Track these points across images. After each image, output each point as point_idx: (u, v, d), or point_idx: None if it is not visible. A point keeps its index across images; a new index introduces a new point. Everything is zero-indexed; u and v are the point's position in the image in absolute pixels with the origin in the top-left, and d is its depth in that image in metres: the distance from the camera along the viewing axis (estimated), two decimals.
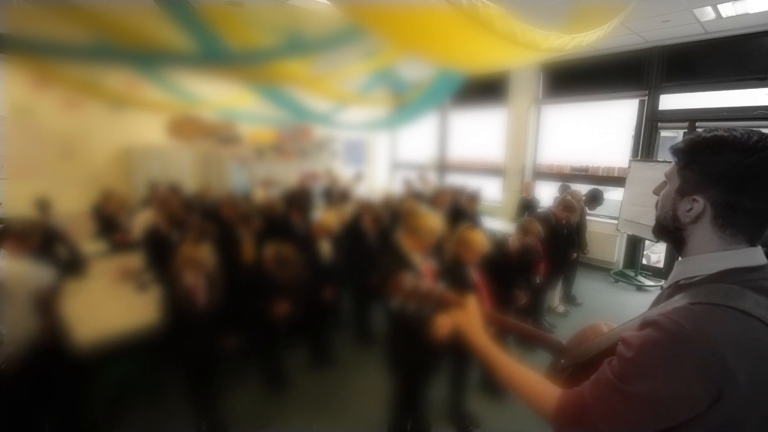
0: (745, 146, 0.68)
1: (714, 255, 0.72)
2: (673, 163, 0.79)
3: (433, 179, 7.09)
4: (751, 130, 0.70)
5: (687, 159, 0.75)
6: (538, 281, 3.41)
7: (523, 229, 3.10)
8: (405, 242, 2.19)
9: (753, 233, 0.71)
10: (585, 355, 0.84)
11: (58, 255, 3.14)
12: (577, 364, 0.84)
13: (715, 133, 0.72)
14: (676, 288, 0.76)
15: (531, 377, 0.84)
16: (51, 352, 2.08)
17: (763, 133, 0.69)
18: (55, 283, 2.21)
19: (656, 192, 0.85)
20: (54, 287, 2.20)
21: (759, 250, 0.72)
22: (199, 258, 2.37)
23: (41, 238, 2.38)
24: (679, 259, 0.80)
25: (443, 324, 1.01)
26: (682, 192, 0.75)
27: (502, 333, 1.02)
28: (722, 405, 0.62)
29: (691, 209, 0.73)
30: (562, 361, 0.89)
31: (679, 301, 0.69)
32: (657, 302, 0.80)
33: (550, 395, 0.78)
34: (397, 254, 2.18)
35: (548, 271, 3.58)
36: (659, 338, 0.64)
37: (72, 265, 3.25)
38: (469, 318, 1.00)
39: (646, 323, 0.68)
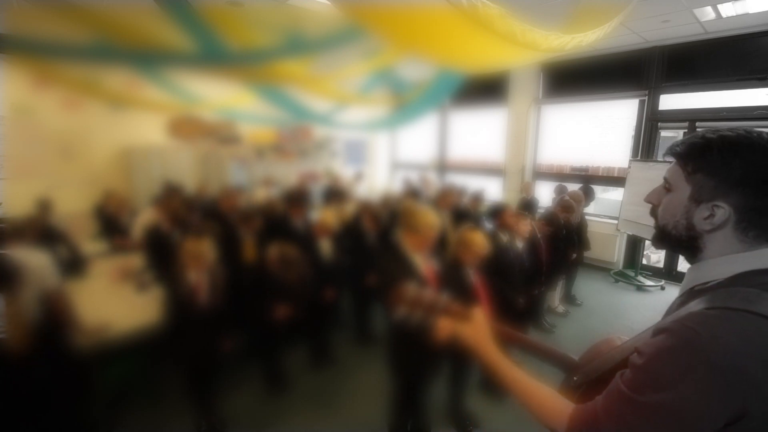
0: (763, 147, 0.65)
1: (731, 258, 0.68)
2: (676, 167, 0.74)
3: (434, 180, 7.08)
4: (756, 130, 0.68)
5: (697, 163, 0.70)
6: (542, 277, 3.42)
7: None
8: (405, 242, 2.16)
9: None
10: (598, 370, 0.80)
11: (58, 255, 3.14)
12: (590, 381, 0.80)
13: (723, 134, 0.68)
14: (691, 294, 0.72)
15: (543, 392, 0.81)
16: (51, 352, 2.08)
17: None
18: (60, 280, 2.22)
19: (651, 200, 0.80)
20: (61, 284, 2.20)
21: None
22: (202, 253, 2.36)
23: (42, 238, 2.39)
24: (691, 265, 0.75)
25: (443, 328, 0.98)
26: (698, 198, 0.70)
27: (509, 347, 0.98)
28: (749, 422, 0.56)
29: (710, 216, 0.68)
30: (575, 378, 0.85)
31: (693, 307, 0.65)
32: (670, 311, 0.76)
33: (562, 411, 0.74)
34: (397, 254, 2.16)
35: (549, 271, 3.58)
36: (672, 345, 0.61)
37: (72, 265, 3.25)
38: (476, 330, 0.95)
39: (658, 330, 0.64)
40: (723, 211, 0.67)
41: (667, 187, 0.76)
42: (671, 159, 0.76)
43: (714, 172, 0.68)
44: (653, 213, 0.80)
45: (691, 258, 0.75)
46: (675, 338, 0.61)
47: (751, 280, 0.64)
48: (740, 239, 0.68)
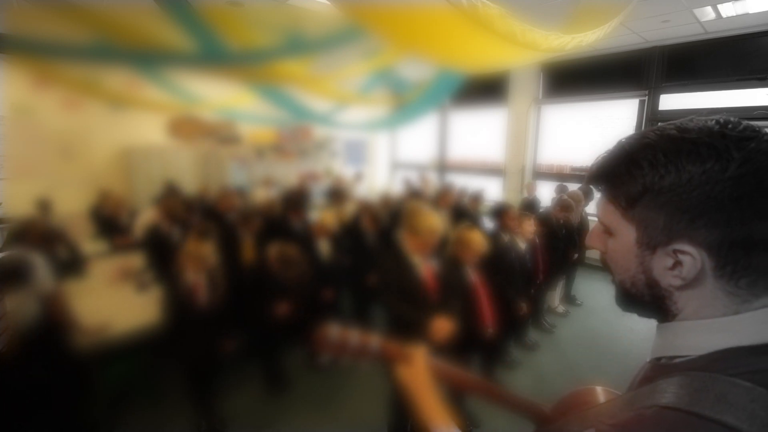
0: (714, 146, 0.44)
1: (715, 323, 0.47)
2: (604, 201, 0.53)
3: (433, 180, 7.09)
4: (709, 117, 0.47)
5: (628, 191, 0.49)
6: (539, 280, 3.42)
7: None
8: (406, 242, 2.16)
9: None
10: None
11: (58, 255, 3.14)
12: None
13: (650, 137, 0.48)
14: (656, 368, 0.52)
15: None
16: (51, 352, 2.08)
17: (729, 119, 0.46)
18: (58, 281, 2.22)
19: (594, 244, 0.58)
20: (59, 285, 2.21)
21: None
22: (202, 254, 2.37)
23: (41, 238, 2.39)
24: (661, 324, 0.53)
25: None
26: (648, 243, 0.49)
27: (461, 392, 0.86)
28: None
29: (675, 265, 0.47)
30: None
31: (654, 393, 0.46)
32: (633, 381, 0.56)
33: None
34: (397, 255, 2.16)
35: (548, 271, 3.58)
36: None
37: (72, 265, 3.25)
38: (414, 375, 0.80)
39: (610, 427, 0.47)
40: (690, 258, 0.46)
41: (606, 230, 0.55)
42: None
43: (660, 198, 0.46)
44: (603, 262, 0.59)
45: (662, 318, 0.53)
46: None
47: (738, 363, 0.43)
48: (728, 291, 0.46)
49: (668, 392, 0.44)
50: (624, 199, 0.50)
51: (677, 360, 0.49)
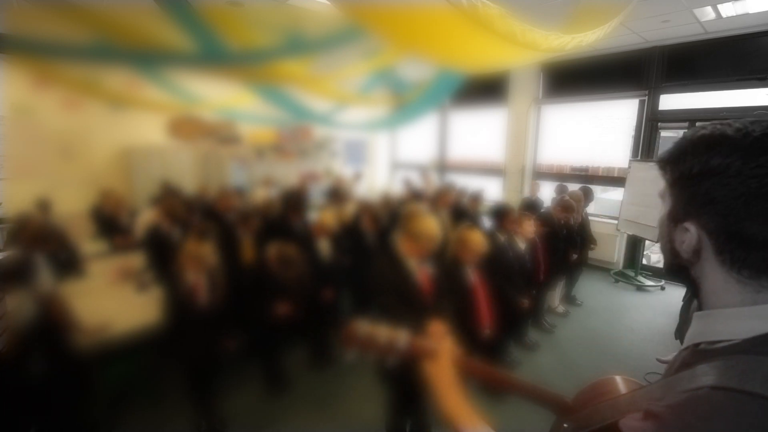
0: (741, 146, 0.49)
1: (743, 311, 0.51)
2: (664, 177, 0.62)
3: (435, 179, 7.09)
4: (742, 121, 0.52)
5: (674, 171, 0.57)
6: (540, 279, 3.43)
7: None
8: (402, 246, 2.11)
9: None
10: (590, 423, 0.66)
11: (57, 255, 3.14)
12: None
13: (704, 131, 0.54)
14: (695, 353, 0.55)
15: None
16: (52, 351, 2.08)
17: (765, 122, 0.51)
18: (58, 281, 2.22)
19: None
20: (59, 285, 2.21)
21: None
22: (203, 255, 2.37)
23: (40, 238, 2.40)
24: (698, 311, 0.59)
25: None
26: (674, 217, 0.57)
27: (485, 385, 0.85)
28: None
29: (684, 239, 0.55)
30: (565, 425, 0.72)
31: (697, 377, 0.49)
32: (671, 368, 0.61)
33: None
34: (392, 258, 2.12)
35: (548, 271, 3.58)
36: None
37: (71, 265, 3.25)
38: (440, 371, 0.81)
39: (648, 413, 0.49)
40: (690, 234, 0.54)
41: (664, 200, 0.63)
42: None
43: (688, 182, 0.54)
44: None
45: (695, 294, 0.60)
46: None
47: None
48: (735, 278, 0.51)
49: (715, 374, 0.47)
50: (669, 175, 0.58)
51: (718, 345, 0.52)
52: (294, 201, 3.64)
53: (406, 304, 2.06)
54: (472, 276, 2.46)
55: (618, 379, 0.73)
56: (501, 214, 3.29)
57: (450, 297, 2.26)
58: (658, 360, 0.72)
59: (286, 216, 3.77)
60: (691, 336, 0.58)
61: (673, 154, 0.57)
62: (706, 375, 0.48)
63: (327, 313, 3.43)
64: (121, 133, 5.90)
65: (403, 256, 2.10)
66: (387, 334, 0.83)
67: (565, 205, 3.93)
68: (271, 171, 6.88)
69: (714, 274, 0.54)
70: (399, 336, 0.83)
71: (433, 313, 2.07)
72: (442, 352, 0.83)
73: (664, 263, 0.64)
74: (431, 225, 2.07)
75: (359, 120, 6.80)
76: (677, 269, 0.60)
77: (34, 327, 2.02)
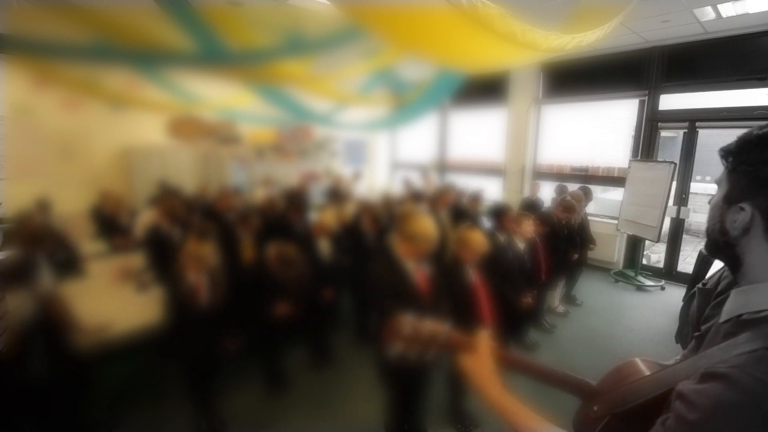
0: None
1: None
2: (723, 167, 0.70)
3: (435, 179, 7.09)
4: None
5: (736, 160, 0.65)
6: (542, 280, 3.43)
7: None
8: (398, 248, 2.08)
9: None
10: (624, 402, 0.69)
11: (56, 255, 3.14)
12: (615, 413, 0.70)
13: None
14: (738, 324, 0.62)
15: None
16: (52, 351, 2.08)
17: None
18: (57, 281, 2.22)
19: (710, 202, 0.75)
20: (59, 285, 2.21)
21: None
22: (203, 255, 2.36)
23: (39, 237, 2.40)
24: (737, 287, 0.67)
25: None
26: (729, 199, 0.66)
27: (516, 373, 0.88)
28: None
29: (737, 218, 0.64)
30: (595, 408, 0.74)
31: (746, 343, 0.56)
32: (713, 340, 0.67)
33: None
34: (389, 260, 2.08)
35: (549, 271, 3.58)
36: (733, 399, 0.51)
37: (70, 265, 3.25)
38: (479, 364, 0.84)
39: (709, 375, 0.54)
40: (744, 213, 0.62)
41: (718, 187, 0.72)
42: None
43: (747, 169, 0.63)
44: None
45: (734, 270, 0.68)
46: (735, 389, 0.51)
47: None
48: None
49: (760, 337, 0.55)
50: (731, 163, 0.66)
51: (763, 314, 0.60)
52: (295, 200, 3.64)
53: (403, 306, 2.05)
54: (473, 276, 2.46)
55: (638, 361, 0.78)
56: (499, 213, 3.29)
57: (450, 297, 2.26)
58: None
59: (286, 216, 3.77)
60: (733, 309, 0.65)
61: (738, 145, 0.66)
62: (758, 339, 0.55)
63: (327, 313, 3.43)
64: (121, 133, 5.90)
65: (400, 258, 2.07)
66: (430, 329, 0.88)
67: (566, 205, 3.93)
68: (271, 171, 6.88)
69: (759, 249, 0.62)
70: (440, 329, 0.88)
71: (432, 314, 2.07)
72: (481, 345, 0.86)
73: (708, 242, 0.72)
74: (427, 225, 2.03)
75: (359, 120, 6.80)
76: (722, 246, 0.67)
77: (34, 327, 2.02)
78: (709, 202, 0.73)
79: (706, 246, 0.73)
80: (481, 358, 0.85)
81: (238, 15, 4.04)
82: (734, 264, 0.67)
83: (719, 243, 0.68)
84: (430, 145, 8.69)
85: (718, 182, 0.70)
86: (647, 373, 0.73)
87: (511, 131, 7.02)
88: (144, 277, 3.15)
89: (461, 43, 2.71)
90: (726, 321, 0.65)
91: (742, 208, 0.62)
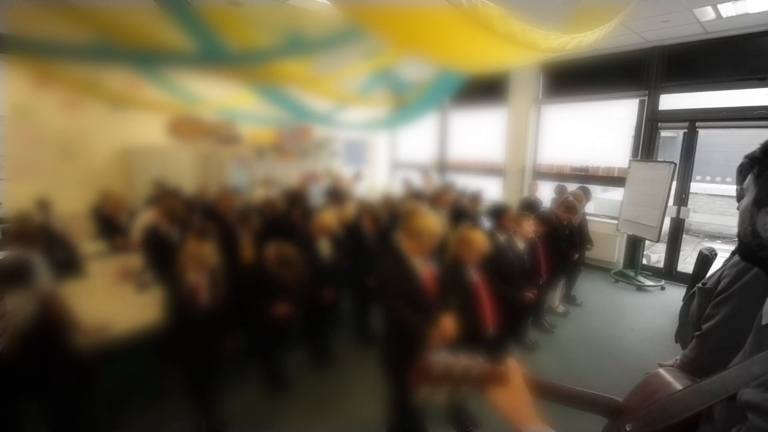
0: None
1: None
2: (749, 171, 0.72)
3: (435, 179, 7.09)
4: None
5: (761, 166, 0.67)
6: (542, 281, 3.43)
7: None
8: (405, 245, 2.13)
9: None
10: (667, 418, 0.65)
11: (56, 255, 3.14)
12: (655, 430, 0.67)
13: None
14: None
15: None
16: (52, 351, 2.08)
17: None
18: (57, 281, 2.22)
19: (738, 208, 0.76)
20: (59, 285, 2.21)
21: None
22: (203, 255, 2.36)
23: (38, 237, 2.40)
24: None
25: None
26: (759, 202, 0.67)
27: (541, 399, 0.83)
28: None
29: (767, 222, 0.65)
30: (628, 427, 0.71)
31: None
32: (760, 343, 0.66)
33: None
34: (396, 257, 2.13)
35: (549, 271, 3.58)
36: None
37: (71, 265, 3.25)
38: (514, 395, 0.78)
39: None
40: None
41: (743, 193, 0.73)
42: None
43: None
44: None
45: None
46: None
47: None
48: None
49: None
50: (757, 168, 0.68)
51: None
52: (296, 200, 3.64)
53: (412, 304, 2.06)
54: (474, 275, 2.46)
55: (662, 372, 0.76)
56: (498, 213, 3.29)
57: (453, 296, 2.27)
58: (660, 365, 0.74)
59: (286, 216, 3.77)
60: None
61: (762, 151, 0.68)
62: None
63: (327, 313, 3.43)
64: (121, 133, 5.90)
65: (407, 255, 2.11)
66: (462, 365, 0.80)
67: (568, 205, 3.93)
68: (271, 171, 6.88)
69: None
70: (474, 364, 0.80)
71: (440, 311, 2.08)
72: (513, 376, 0.80)
73: (740, 247, 0.72)
74: (431, 221, 2.09)
75: (359, 120, 6.80)
76: (756, 248, 0.68)
77: (34, 327, 2.02)
78: (737, 208, 0.74)
79: (740, 251, 0.73)
80: (514, 390, 0.78)
81: (238, 15, 4.04)
82: (766, 265, 0.67)
83: (752, 246, 0.68)
84: (430, 145, 8.69)
85: (744, 188, 0.71)
86: (676, 384, 0.70)
87: (511, 131, 7.02)
88: (144, 277, 3.15)
89: (461, 43, 2.71)
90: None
91: None
